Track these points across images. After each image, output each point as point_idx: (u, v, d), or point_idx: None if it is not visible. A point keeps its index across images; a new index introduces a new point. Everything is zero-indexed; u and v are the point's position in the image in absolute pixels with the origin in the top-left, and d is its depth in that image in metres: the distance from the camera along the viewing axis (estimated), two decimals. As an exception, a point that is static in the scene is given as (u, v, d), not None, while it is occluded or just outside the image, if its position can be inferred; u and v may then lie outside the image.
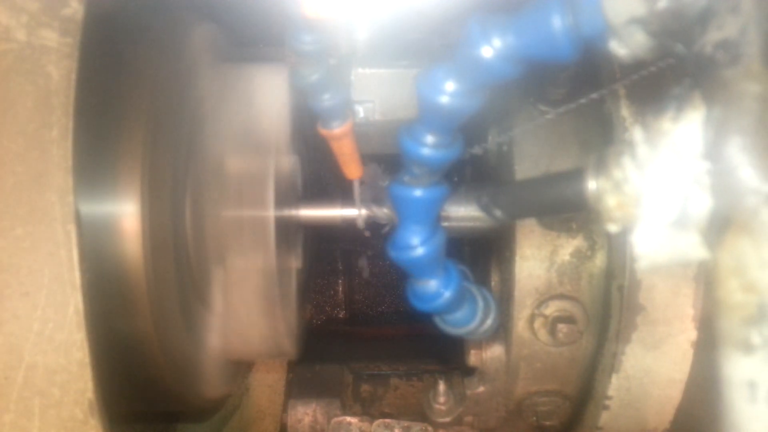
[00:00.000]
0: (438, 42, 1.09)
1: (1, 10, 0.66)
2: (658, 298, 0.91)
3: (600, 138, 0.99)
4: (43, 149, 0.64)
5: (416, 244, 0.83)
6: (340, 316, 1.98)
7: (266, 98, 1.03)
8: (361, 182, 1.09)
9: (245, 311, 1.02)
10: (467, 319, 0.92)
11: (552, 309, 1.00)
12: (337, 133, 0.98)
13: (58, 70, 0.65)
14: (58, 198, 0.64)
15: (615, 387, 0.96)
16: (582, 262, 0.99)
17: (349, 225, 1.14)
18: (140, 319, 0.81)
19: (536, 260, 0.99)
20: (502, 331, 1.06)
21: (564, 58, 0.58)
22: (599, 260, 0.99)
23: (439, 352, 1.61)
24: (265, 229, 0.97)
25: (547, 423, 1.11)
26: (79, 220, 0.65)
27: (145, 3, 0.92)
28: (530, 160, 1.00)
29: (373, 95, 1.08)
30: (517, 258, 1.00)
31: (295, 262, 1.22)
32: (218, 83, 1.03)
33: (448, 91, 0.66)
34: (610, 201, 0.60)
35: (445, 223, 1.05)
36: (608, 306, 0.98)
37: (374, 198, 1.09)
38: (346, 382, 1.36)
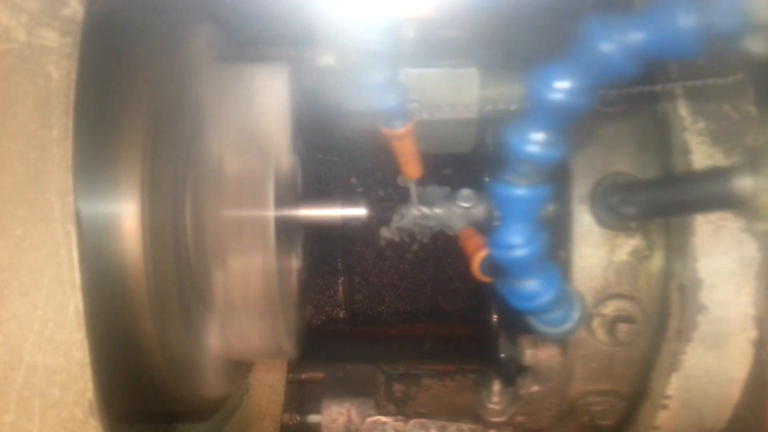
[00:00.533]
0: (481, 40, 1.09)
1: (1, 10, 0.66)
2: (720, 297, 0.91)
3: (656, 137, 0.99)
4: (43, 149, 0.64)
5: (518, 244, 0.81)
6: (340, 316, 1.98)
7: (266, 98, 1.03)
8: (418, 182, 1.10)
9: (245, 311, 1.02)
10: (563, 318, 0.91)
11: (610, 308, 1.00)
12: (400, 132, 0.99)
13: (58, 70, 0.65)
14: (58, 198, 0.64)
15: (675, 386, 0.97)
16: (640, 261, 0.99)
17: (351, 225, 1.15)
18: (140, 319, 0.81)
19: (594, 259, 0.99)
20: None
21: (688, 56, 0.57)
22: (657, 260, 0.99)
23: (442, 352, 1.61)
24: (265, 229, 0.97)
25: (602, 423, 1.11)
26: (79, 220, 0.65)
27: (145, 3, 0.92)
28: (586, 159, 1.00)
29: (420, 95, 1.08)
30: (575, 257, 0.99)
31: (296, 262, 1.22)
32: (218, 83, 1.03)
33: (563, 89, 0.65)
34: None
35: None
36: (667, 305, 0.98)
37: (427, 199, 1.10)
38: (378, 381, 1.36)
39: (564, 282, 0.92)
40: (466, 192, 1.12)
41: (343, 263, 2.00)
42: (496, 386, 1.15)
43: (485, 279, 1.02)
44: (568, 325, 0.90)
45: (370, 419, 1.24)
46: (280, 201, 1.00)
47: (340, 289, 1.99)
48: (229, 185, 0.98)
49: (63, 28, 0.67)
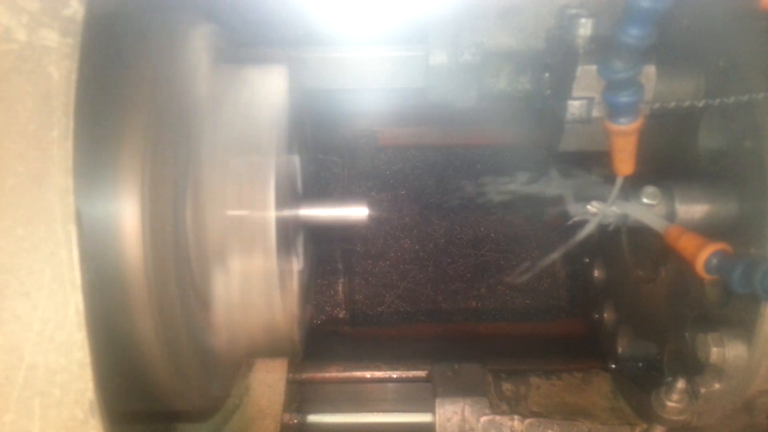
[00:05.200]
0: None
1: (1, 11, 0.66)
2: None
3: None
4: (44, 149, 0.64)
5: None
6: (340, 316, 1.98)
7: (267, 98, 1.03)
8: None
9: (246, 311, 1.02)
10: None
11: None
12: (626, 129, 1.00)
13: (59, 71, 0.65)
14: (58, 198, 0.64)
15: None
16: None
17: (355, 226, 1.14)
18: (140, 319, 0.81)
19: None
20: (742, 329, 1.04)
21: None
22: None
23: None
24: (266, 230, 0.97)
25: None
26: (79, 220, 0.65)
27: (145, 3, 0.92)
28: None
29: (594, 91, 1.08)
30: None
31: (296, 262, 1.22)
32: (219, 83, 1.03)
33: None
34: None
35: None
36: None
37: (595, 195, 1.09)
38: (487, 381, 1.36)
39: None
40: (650, 189, 1.10)
41: (343, 263, 2.00)
42: (682, 384, 1.10)
43: (710, 277, 0.99)
44: None
45: (484, 418, 1.24)
46: (281, 201, 1.01)
47: (340, 289, 1.99)
48: (229, 185, 0.98)
49: (63, 28, 0.67)
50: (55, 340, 0.64)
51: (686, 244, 1.03)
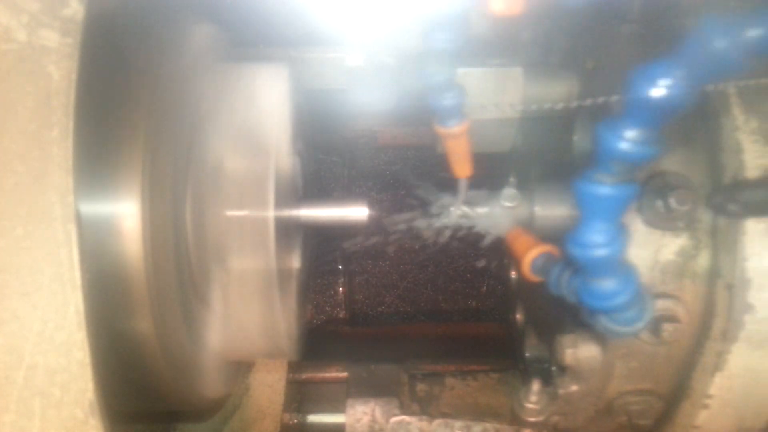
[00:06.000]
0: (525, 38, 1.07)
1: (1, 11, 0.66)
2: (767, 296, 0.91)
3: (706, 136, 0.98)
4: (44, 149, 0.64)
5: (601, 243, 0.79)
6: (341, 316, 1.98)
7: (267, 98, 1.03)
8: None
9: (245, 311, 1.02)
10: (636, 317, 0.89)
11: (655, 308, 0.98)
12: (455, 131, 1.00)
13: (59, 71, 0.65)
14: (58, 198, 0.64)
15: (718, 386, 0.97)
16: (686, 261, 0.98)
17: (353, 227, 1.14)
18: (140, 319, 0.81)
19: (639, 259, 0.98)
20: (597, 331, 1.05)
21: None
22: (703, 259, 0.98)
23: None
24: (266, 229, 0.97)
25: (640, 422, 1.11)
26: (79, 220, 0.65)
27: (145, 3, 0.92)
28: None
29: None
30: None
31: (296, 263, 1.22)
32: (219, 83, 1.03)
33: (667, 86, 0.65)
34: None
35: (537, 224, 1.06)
36: (712, 305, 0.97)
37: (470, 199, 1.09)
38: (402, 381, 1.36)
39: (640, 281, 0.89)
40: (509, 191, 1.11)
41: (343, 263, 2.00)
42: (536, 386, 1.13)
43: (535, 279, 1.00)
44: (640, 324, 0.88)
45: (394, 419, 1.24)
46: (281, 201, 1.01)
47: (340, 289, 1.99)
48: (229, 185, 0.99)
49: (63, 28, 0.67)
50: (55, 340, 0.64)
51: (519, 246, 1.04)
